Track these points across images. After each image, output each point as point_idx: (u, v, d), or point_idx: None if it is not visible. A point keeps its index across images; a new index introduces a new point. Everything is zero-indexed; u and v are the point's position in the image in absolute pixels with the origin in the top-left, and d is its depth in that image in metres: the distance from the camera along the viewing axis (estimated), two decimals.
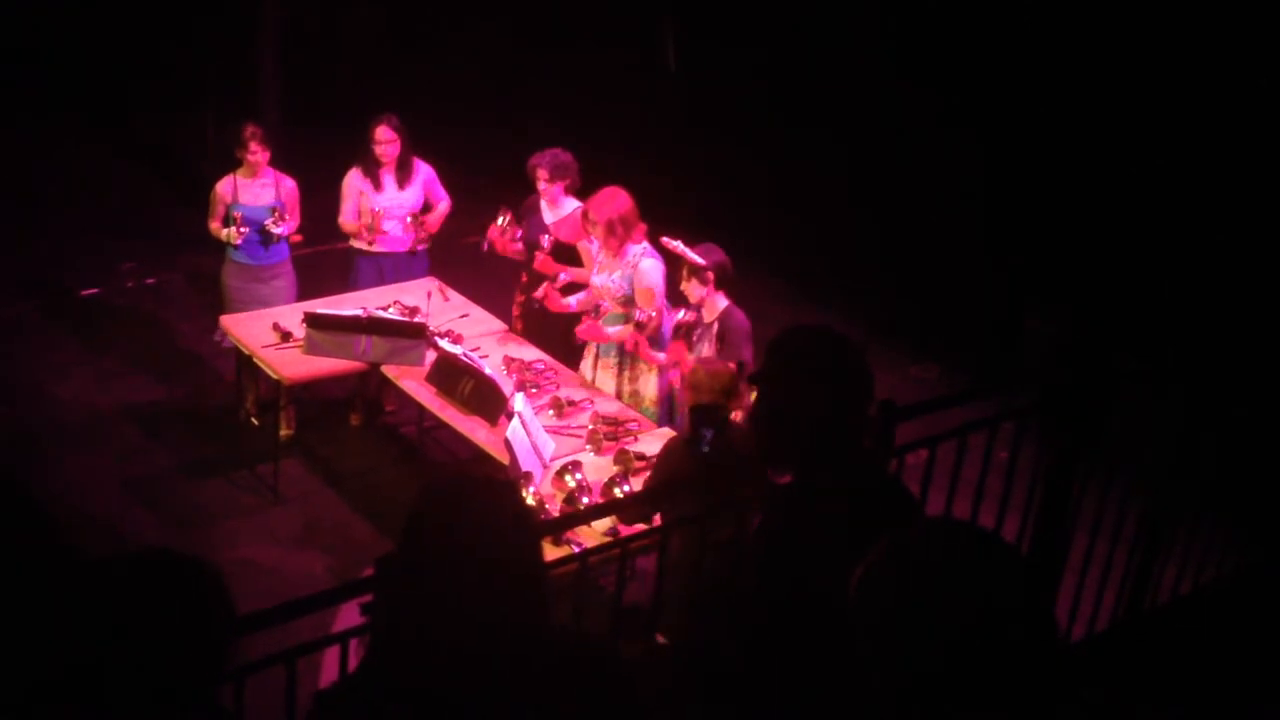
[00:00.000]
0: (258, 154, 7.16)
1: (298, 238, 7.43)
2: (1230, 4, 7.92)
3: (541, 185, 6.99)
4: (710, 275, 6.10)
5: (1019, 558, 1.88)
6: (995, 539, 1.92)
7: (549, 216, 7.09)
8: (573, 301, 6.79)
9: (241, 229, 7.14)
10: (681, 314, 6.29)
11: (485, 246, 7.21)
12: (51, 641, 2.15)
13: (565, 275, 6.92)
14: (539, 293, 6.80)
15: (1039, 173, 8.89)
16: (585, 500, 5.55)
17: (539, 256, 6.98)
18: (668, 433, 6.20)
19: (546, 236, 6.97)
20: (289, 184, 7.34)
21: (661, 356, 6.42)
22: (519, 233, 7.14)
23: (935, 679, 1.77)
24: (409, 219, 7.38)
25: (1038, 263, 8.69)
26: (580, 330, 6.62)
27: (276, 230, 7.19)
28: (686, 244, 6.25)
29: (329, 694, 2.32)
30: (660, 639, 4.99)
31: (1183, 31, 7.95)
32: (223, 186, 7.25)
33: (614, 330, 6.52)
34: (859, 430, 2.92)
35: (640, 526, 5.23)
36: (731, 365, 5.60)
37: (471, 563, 2.15)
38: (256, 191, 7.25)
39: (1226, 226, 7.86)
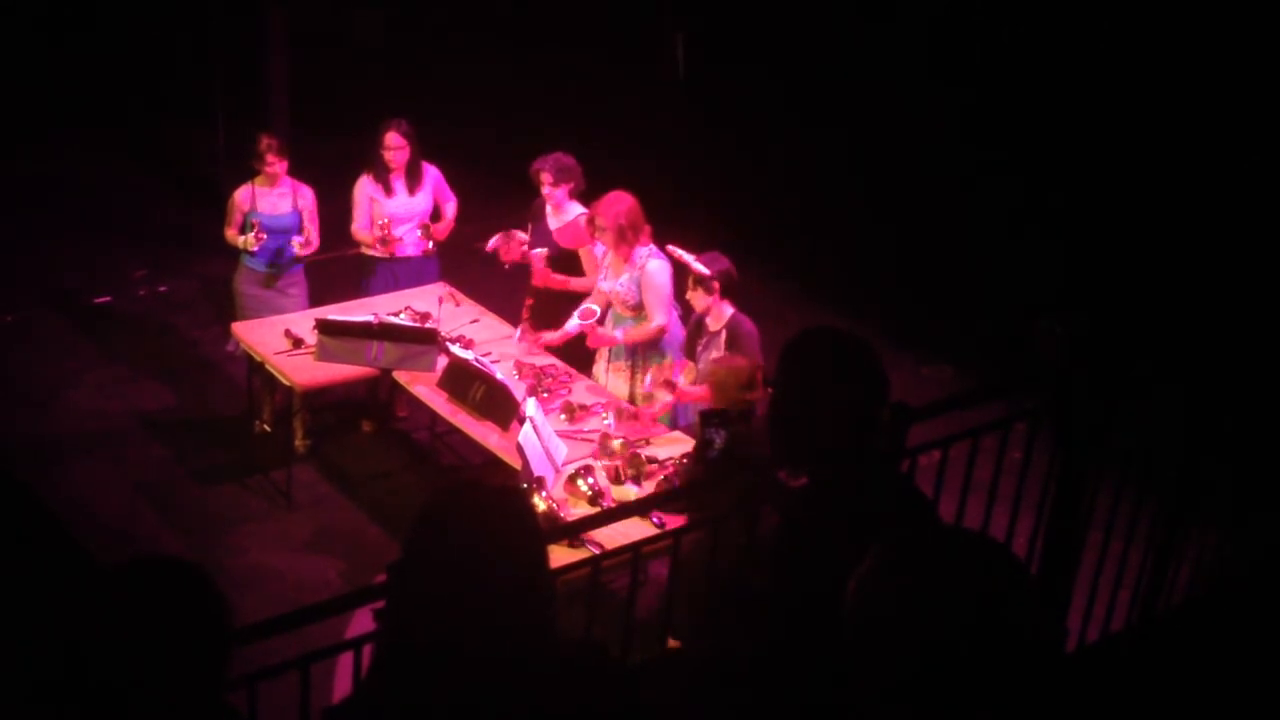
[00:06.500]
0: (275, 165, 7.18)
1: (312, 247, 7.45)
2: (1237, 5, 7.90)
3: (546, 189, 6.96)
4: (716, 284, 6.09)
5: (1014, 562, 1.87)
6: (990, 544, 1.91)
7: (553, 222, 7.06)
8: (572, 327, 6.69)
9: (259, 236, 7.16)
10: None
11: (490, 247, 7.18)
12: (51, 647, 2.16)
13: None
14: (536, 279, 6.96)
15: (1051, 173, 8.86)
16: (606, 504, 5.56)
17: (535, 269, 6.97)
18: (679, 436, 6.20)
19: (542, 250, 6.96)
20: (307, 193, 7.35)
21: (618, 335, 6.45)
22: (525, 243, 7.16)
23: (929, 685, 1.77)
24: (419, 231, 7.39)
25: (1049, 262, 8.67)
26: (590, 341, 6.60)
27: (304, 253, 7.28)
28: (691, 251, 6.23)
29: (336, 711, 2.31)
30: (672, 643, 4.98)
31: (1197, 32, 7.93)
32: (241, 195, 7.26)
33: (619, 332, 6.50)
34: (873, 432, 2.91)
35: (651, 530, 5.23)
36: (746, 361, 5.59)
37: (474, 569, 2.14)
38: (274, 201, 7.26)
39: (1238, 226, 7.83)
